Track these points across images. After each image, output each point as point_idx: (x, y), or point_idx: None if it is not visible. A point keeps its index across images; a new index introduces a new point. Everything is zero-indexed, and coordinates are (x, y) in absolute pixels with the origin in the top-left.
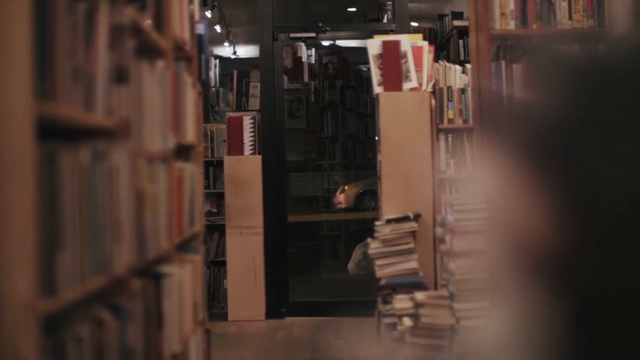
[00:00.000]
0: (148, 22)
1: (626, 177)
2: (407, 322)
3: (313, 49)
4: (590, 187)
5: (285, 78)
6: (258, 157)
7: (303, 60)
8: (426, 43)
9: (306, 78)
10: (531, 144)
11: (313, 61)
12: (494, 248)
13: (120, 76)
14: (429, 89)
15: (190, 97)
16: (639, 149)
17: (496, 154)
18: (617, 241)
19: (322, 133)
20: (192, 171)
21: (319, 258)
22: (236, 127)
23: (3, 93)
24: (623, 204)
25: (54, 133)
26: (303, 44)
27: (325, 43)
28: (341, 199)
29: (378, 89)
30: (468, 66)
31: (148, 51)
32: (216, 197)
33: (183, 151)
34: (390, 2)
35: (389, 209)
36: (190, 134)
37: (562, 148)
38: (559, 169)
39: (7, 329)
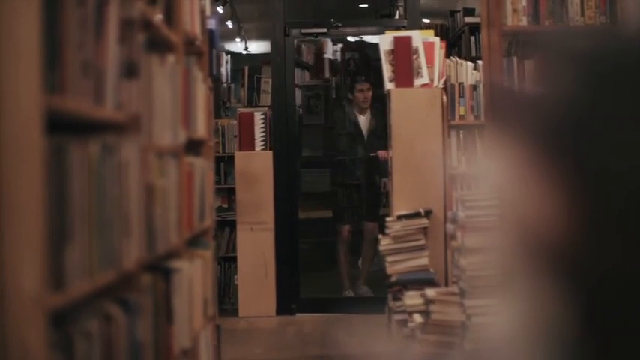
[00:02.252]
0: (158, 17)
1: (636, 165)
2: (417, 318)
3: (339, 45)
4: (601, 177)
5: (307, 74)
6: (269, 153)
7: (325, 56)
8: (437, 39)
9: (327, 74)
10: (540, 135)
11: (336, 58)
12: (505, 242)
13: (130, 70)
14: (441, 85)
15: (201, 92)
16: None
17: (505, 146)
18: (629, 230)
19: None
20: (202, 166)
21: (333, 254)
22: (247, 123)
23: (12, 86)
24: (635, 192)
25: (63, 127)
26: (329, 40)
27: (351, 39)
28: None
29: (389, 85)
30: (480, 62)
31: (158, 45)
32: (227, 193)
33: (193, 146)
34: None
35: (400, 205)
36: (201, 129)
37: (571, 138)
38: (569, 160)
39: (15, 323)
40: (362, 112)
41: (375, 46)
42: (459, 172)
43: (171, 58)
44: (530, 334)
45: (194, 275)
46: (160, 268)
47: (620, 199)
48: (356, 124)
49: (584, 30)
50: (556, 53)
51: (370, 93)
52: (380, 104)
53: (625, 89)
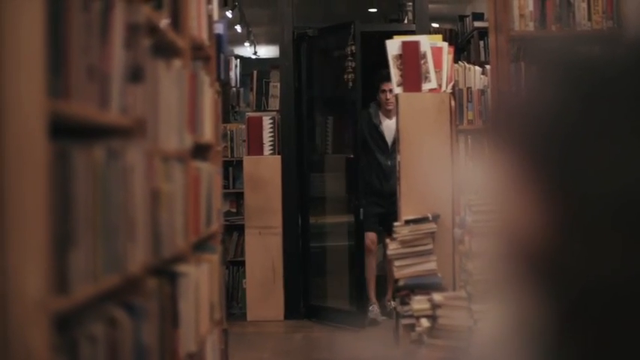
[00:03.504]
0: (165, 22)
1: (620, 175)
2: (425, 323)
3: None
4: (583, 185)
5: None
6: (278, 158)
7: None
8: (445, 44)
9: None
10: (527, 142)
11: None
12: (492, 247)
13: (135, 75)
14: (449, 90)
15: (208, 97)
16: (635, 148)
17: (497, 152)
18: (609, 237)
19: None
20: (209, 170)
21: (344, 259)
22: (255, 127)
23: (16, 90)
24: (616, 201)
25: (68, 132)
26: None
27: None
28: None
29: (397, 90)
30: (488, 67)
31: (164, 50)
32: (235, 197)
33: (201, 151)
34: (410, 3)
35: (408, 210)
36: (208, 134)
37: (557, 147)
38: (553, 167)
39: (19, 327)
40: (388, 115)
41: None
42: (464, 177)
43: (177, 63)
44: (515, 339)
45: (200, 279)
46: (165, 272)
47: (600, 206)
48: (376, 129)
49: (580, 38)
50: (550, 61)
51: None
52: None
53: (612, 98)
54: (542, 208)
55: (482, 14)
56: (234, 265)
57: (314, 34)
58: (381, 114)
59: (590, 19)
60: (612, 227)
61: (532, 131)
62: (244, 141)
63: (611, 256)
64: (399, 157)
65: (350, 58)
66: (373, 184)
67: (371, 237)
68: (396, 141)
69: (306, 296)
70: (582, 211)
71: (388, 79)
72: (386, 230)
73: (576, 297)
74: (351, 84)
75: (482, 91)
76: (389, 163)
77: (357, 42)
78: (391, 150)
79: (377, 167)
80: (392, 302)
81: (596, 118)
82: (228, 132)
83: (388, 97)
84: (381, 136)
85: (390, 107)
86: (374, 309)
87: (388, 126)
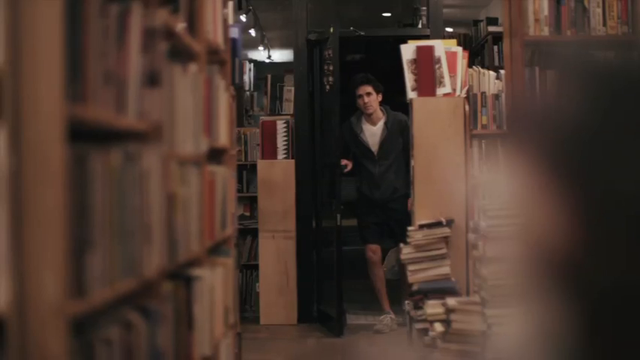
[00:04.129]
0: (181, 26)
1: None
2: (438, 327)
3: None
4: (607, 191)
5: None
6: (291, 162)
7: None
8: (460, 49)
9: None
10: (548, 146)
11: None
12: (514, 252)
13: (152, 79)
14: (463, 95)
15: (223, 101)
16: None
17: (517, 157)
18: (632, 239)
19: None
20: (224, 174)
21: (357, 263)
22: (269, 132)
23: (34, 95)
24: (638, 202)
25: (85, 136)
26: None
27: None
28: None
29: (411, 94)
30: (502, 72)
31: (180, 54)
32: (249, 201)
33: (216, 155)
34: (424, 8)
35: (422, 215)
36: (223, 138)
37: (580, 152)
38: (577, 173)
39: (36, 330)
40: (371, 121)
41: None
42: (481, 182)
43: (193, 67)
44: (537, 343)
45: (215, 283)
46: (181, 276)
47: (623, 212)
48: (357, 137)
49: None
50: (570, 66)
51: (373, 97)
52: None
53: (633, 104)
54: (564, 212)
55: (497, 19)
56: (248, 269)
57: (319, 37)
58: (364, 121)
59: (605, 24)
60: (634, 229)
61: (553, 135)
62: (258, 145)
63: (635, 257)
64: (412, 162)
65: (328, 61)
66: (364, 194)
67: (372, 248)
68: (383, 146)
69: (320, 300)
70: (604, 213)
71: (362, 82)
72: (389, 242)
73: (599, 299)
74: (328, 87)
75: (497, 96)
76: (376, 170)
77: (334, 45)
78: (378, 156)
79: (366, 176)
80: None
81: (615, 120)
82: (242, 136)
83: (366, 101)
84: (363, 144)
85: (370, 111)
86: (384, 319)
87: (372, 132)
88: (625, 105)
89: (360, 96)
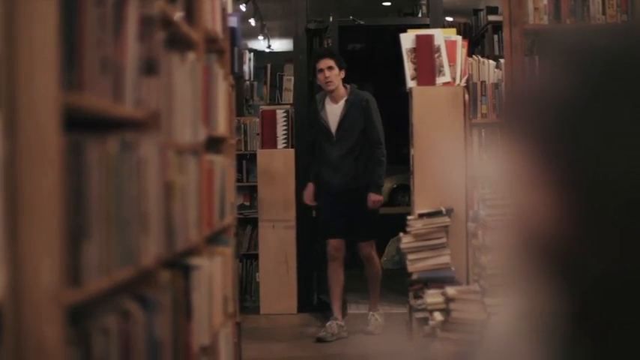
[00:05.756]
0: (179, 14)
1: (632, 163)
2: (438, 316)
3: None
4: (596, 174)
5: None
6: (291, 151)
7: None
8: (459, 38)
9: None
10: (539, 131)
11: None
12: (505, 240)
13: (149, 68)
14: (463, 84)
15: (222, 90)
16: None
17: (509, 142)
18: (622, 225)
19: None
20: (223, 163)
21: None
22: (269, 121)
23: (29, 83)
24: (629, 190)
25: (82, 124)
26: None
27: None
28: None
29: (411, 83)
30: (502, 61)
31: (178, 43)
32: (249, 190)
33: (214, 144)
34: None
35: (421, 204)
36: (222, 127)
37: (568, 135)
38: (566, 156)
39: (32, 319)
40: (333, 99)
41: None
42: (481, 170)
43: (191, 56)
44: (529, 332)
45: (214, 272)
46: (179, 265)
47: (614, 200)
48: (318, 116)
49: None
50: (559, 51)
51: (334, 72)
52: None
53: (621, 86)
54: (555, 198)
55: (497, 8)
56: (248, 259)
57: (318, 26)
58: (327, 100)
59: (604, 12)
60: (625, 214)
61: (543, 119)
62: (258, 134)
63: (625, 243)
64: (412, 151)
65: None
66: (324, 179)
67: (334, 244)
68: (341, 127)
69: (320, 290)
70: (594, 196)
71: (324, 55)
72: (350, 238)
73: (590, 291)
74: None
75: (496, 85)
76: (334, 153)
77: (333, 35)
78: (336, 138)
79: (325, 159)
80: (375, 315)
81: (605, 103)
82: (242, 125)
83: (327, 75)
84: (323, 123)
85: (331, 88)
86: (331, 325)
87: (333, 111)
88: (613, 87)
89: (321, 70)
